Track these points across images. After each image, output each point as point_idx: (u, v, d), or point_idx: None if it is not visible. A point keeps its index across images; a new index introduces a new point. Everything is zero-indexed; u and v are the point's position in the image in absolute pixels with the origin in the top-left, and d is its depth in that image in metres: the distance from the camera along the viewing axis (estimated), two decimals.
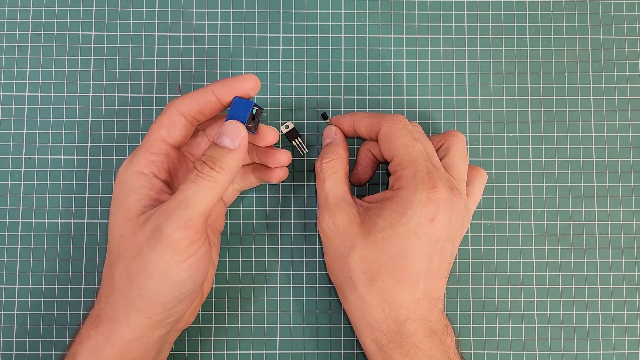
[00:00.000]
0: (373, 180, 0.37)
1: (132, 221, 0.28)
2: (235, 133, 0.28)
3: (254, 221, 0.36)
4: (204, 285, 0.33)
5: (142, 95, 0.37)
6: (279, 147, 0.36)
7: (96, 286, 0.35)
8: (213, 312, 0.36)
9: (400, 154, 0.30)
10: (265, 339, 0.35)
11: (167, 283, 0.27)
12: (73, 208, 0.36)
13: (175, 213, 0.27)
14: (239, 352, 0.35)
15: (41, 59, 0.37)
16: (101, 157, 0.36)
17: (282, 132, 0.35)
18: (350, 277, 0.30)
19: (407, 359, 0.29)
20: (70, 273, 0.35)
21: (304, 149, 0.36)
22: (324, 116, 0.36)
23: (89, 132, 0.36)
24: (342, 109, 0.37)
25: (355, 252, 0.30)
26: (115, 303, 0.28)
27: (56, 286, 0.35)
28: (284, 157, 0.33)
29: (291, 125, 0.35)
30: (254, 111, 0.29)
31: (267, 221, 0.36)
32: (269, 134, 0.31)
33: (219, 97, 0.29)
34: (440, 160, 0.32)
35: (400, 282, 0.29)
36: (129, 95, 0.37)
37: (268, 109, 0.37)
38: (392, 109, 0.37)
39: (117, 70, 0.37)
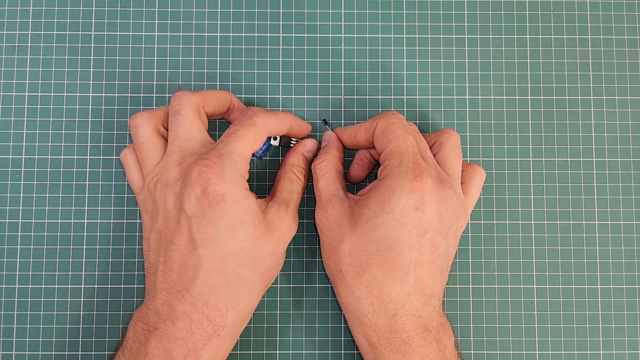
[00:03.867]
0: (370, 179, 0.37)
1: (262, 222, 0.30)
2: (314, 150, 0.36)
3: None
4: None
5: (141, 95, 0.37)
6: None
7: (96, 286, 0.35)
8: None
9: (391, 145, 0.31)
10: (265, 339, 0.35)
11: (280, 259, 0.33)
12: (73, 208, 0.36)
13: (292, 203, 0.33)
14: (239, 352, 0.35)
15: (41, 58, 0.37)
16: (101, 157, 0.36)
17: (273, 144, 0.35)
18: (340, 270, 0.30)
19: (398, 356, 0.29)
20: (70, 273, 0.35)
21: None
22: (325, 122, 0.36)
23: (89, 132, 0.36)
24: (342, 109, 0.37)
25: (344, 244, 0.30)
26: (243, 309, 0.31)
27: (56, 286, 0.35)
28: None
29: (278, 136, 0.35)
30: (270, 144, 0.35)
31: None
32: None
33: (291, 131, 0.34)
34: (434, 157, 0.33)
35: (389, 274, 0.29)
36: (129, 95, 0.37)
37: (268, 109, 0.37)
38: (392, 109, 0.37)
39: (117, 70, 0.37)
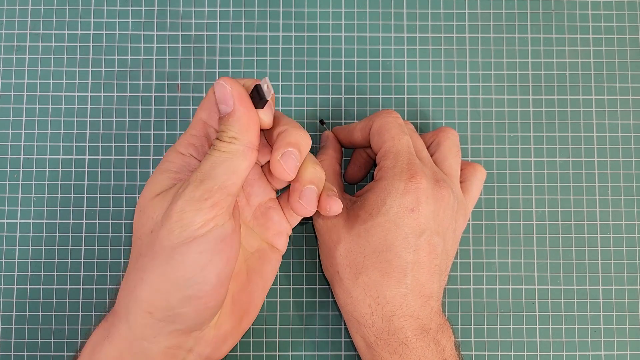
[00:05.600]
0: (368, 179, 0.37)
1: (156, 197, 0.26)
2: (224, 96, 0.26)
3: None
4: (246, 310, 0.29)
5: (140, 94, 0.37)
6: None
7: (95, 287, 0.35)
8: None
9: (387, 146, 0.31)
10: (265, 340, 0.35)
11: (172, 266, 0.24)
12: (71, 208, 0.36)
13: (191, 185, 0.24)
14: (238, 353, 0.35)
15: (39, 58, 0.37)
16: (99, 157, 0.36)
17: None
18: (338, 271, 0.30)
19: (396, 357, 0.29)
20: (68, 274, 0.35)
21: None
22: (321, 122, 0.36)
23: (88, 131, 0.36)
24: (342, 109, 0.37)
25: (341, 246, 0.30)
26: (120, 292, 0.26)
27: (54, 287, 0.35)
28: (335, 205, 0.28)
29: None
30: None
31: None
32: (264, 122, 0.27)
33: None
34: (431, 156, 0.33)
35: (385, 275, 0.29)
36: (128, 94, 0.37)
37: None
38: (393, 109, 0.37)
39: (115, 69, 0.37)
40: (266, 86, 0.26)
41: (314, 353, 0.35)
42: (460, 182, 0.33)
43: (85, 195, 0.36)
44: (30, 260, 0.35)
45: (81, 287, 0.35)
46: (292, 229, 0.32)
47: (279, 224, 0.31)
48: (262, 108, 0.26)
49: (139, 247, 0.25)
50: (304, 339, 0.35)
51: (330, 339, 0.35)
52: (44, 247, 0.35)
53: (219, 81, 0.25)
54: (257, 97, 0.26)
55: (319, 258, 0.36)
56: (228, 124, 0.25)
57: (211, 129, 0.28)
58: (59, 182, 0.36)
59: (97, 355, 0.26)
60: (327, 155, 0.34)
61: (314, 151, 0.36)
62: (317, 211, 0.31)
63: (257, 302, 0.30)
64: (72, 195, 0.36)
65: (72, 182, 0.36)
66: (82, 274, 0.35)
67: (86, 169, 0.36)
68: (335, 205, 0.28)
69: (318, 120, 0.36)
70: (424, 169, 0.30)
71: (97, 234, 0.36)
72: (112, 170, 0.36)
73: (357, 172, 0.35)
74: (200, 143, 0.28)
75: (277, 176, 0.26)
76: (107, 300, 0.35)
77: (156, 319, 0.25)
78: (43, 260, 0.35)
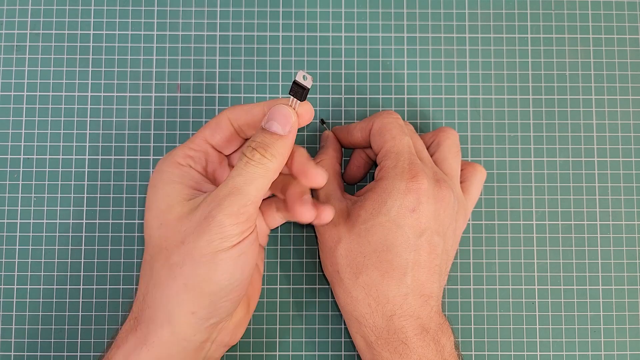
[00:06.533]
0: (367, 179, 0.37)
1: (175, 208, 0.27)
2: (285, 118, 0.27)
3: None
4: (251, 296, 0.32)
5: (140, 94, 0.37)
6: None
7: (95, 287, 0.35)
8: None
9: (387, 146, 0.31)
10: (265, 340, 0.35)
11: (214, 269, 0.26)
12: (71, 208, 0.36)
13: (227, 200, 0.26)
14: (238, 353, 0.35)
15: (39, 58, 0.37)
16: (100, 157, 0.36)
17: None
18: (338, 271, 0.30)
19: (396, 356, 0.29)
20: (68, 274, 0.35)
21: None
22: (322, 121, 0.36)
23: (88, 131, 0.36)
24: (343, 109, 0.37)
25: (341, 245, 0.30)
26: (155, 300, 0.27)
27: (54, 287, 0.35)
28: (319, 177, 0.29)
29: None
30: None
31: None
32: (305, 115, 0.28)
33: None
34: (432, 156, 0.33)
35: (386, 275, 0.29)
36: (128, 94, 0.37)
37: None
38: (393, 109, 0.37)
39: (115, 69, 0.37)
40: (302, 76, 0.26)
41: (314, 353, 0.35)
42: (460, 182, 0.33)
43: (85, 195, 0.36)
44: (30, 260, 0.35)
45: (81, 287, 0.35)
46: (292, 229, 0.33)
47: (260, 226, 0.33)
48: (305, 99, 0.27)
49: (167, 257, 0.27)
50: (304, 339, 0.35)
51: (330, 339, 0.35)
52: (44, 247, 0.35)
53: (281, 105, 0.27)
54: (300, 90, 0.27)
55: (319, 258, 0.36)
56: (275, 143, 0.27)
57: (210, 147, 0.30)
58: (59, 182, 0.36)
59: None
60: (328, 155, 0.34)
61: (314, 150, 0.36)
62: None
63: (258, 288, 0.33)
64: (72, 195, 0.36)
65: (72, 182, 0.36)
66: (82, 274, 0.35)
67: (86, 169, 0.36)
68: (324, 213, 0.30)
69: (318, 120, 0.36)
70: (425, 169, 0.30)
71: (97, 234, 0.36)
72: (112, 170, 0.36)
73: (357, 172, 0.35)
74: (198, 157, 0.30)
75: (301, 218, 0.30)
76: (107, 300, 0.35)
77: (198, 317, 0.27)
78: (43, 260, 0.35)
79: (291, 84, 0.27)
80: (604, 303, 0.36)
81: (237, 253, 0.26)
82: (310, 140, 0.37)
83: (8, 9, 0.37)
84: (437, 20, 0.38)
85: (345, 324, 0.35)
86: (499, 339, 0.36)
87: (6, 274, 0.35)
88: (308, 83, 0.26)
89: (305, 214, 0.29)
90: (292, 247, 0.36)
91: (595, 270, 0.36)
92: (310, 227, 0.36)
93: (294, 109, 0.28)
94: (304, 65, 0.37)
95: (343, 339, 0.35)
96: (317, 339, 0.35)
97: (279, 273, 0.36)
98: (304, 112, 0.28)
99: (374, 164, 0.36)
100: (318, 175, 0.29)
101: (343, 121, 0.37)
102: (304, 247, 0.36)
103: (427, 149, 0.33)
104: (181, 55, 0.37)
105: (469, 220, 0.36)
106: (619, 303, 0.36)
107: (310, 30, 0.37)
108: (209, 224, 0.26)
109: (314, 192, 0.33)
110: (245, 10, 0.37)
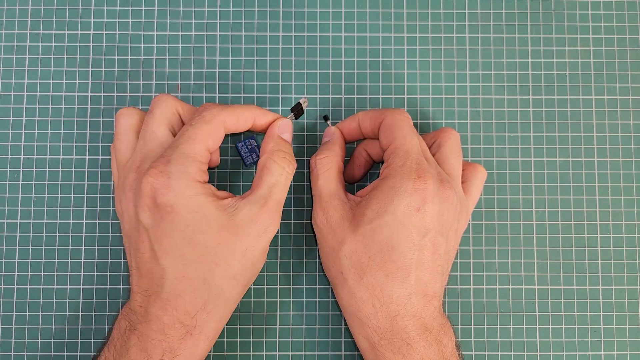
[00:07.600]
0: (366, 179, 0.37)
1: (224, 227, 0.29)
2: (290, 129, 0.33)
3: None
4: None
5: (140, 94, 0.37)
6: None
7: (95, 287, 0.35)
8: None
9: (397, 143, 0.31)
10: (265, 340, 0.35)
11: (256, 248, 0.30)
12: (72, 208, 0.36)
13: (269, 203, 0.30)
14: (238, 353, 0.35)
15: (39, 58, 0.37)
16: (100, 157, 0.36)
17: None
18: (341, 272, 0.30)
19: (399, 357, 0.29)
20: (68, 274, 0.35)
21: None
22: (326, 118, 0.36)
23: (88, 131, 0.36)
24: (342, 109, 0.37)
25: (346, 246, 0.30)
26: (212, 310, 0.29)
27: (54, 287, 0.35)
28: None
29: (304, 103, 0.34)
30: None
31: None
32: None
33: (256, 124, 0.32)
34: (433, 156, 0.33)
35: (390, 275, 0.29)
36: (128, 94, 0.37)
37: (268, 108, 0.36)
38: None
39: (115, 69, 0.37)
40: (305, 104, 0.34)
41: (314, 353, 0.35)
42: (461, 183, 0.33)
43: (85, 195, 0.36)
44: (30, 260, 0.35)
45: (81, 287, 0.35)
46: (292, 229, 0.33)
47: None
48: (297, 118, 0.34)
49: (208, 240, 0.29)
50: (304, 339, 0.35)
51: (330, 339, 0.35)
52: (44, 247, 0.35)
53: (288, 120, 0.33)
54: (300, 110, 0.34)
55: (319, 258, 0.36)
56: (289, 148, 0.32)
57: (209, 155, 0.31)
58: (59, 182, 0.36)
59: (197, 332, 0.29)
60: (333, 152, 0.33)
61: (314, 150, 0.36)
62: (317, 211, 0.31)
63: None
64: (72, 195, 0.36)
65: (72, 182, 0.36)
66: (82, 274, 0.35)
67: (86, 169, 0.36)
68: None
69: (322, 117, 0.36)
70: (431, 169, 0.30)
71: (97, 234, 0.36)
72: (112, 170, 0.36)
73: (357, 171, 0.35)
74: (205, 169, 0.31)
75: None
76: (107, 300, 0.35)
77: (239, 282, 0.30)
78: (43, 260, 0.35)
79: (295, 104, 0.34)
80: (604, 303, 0.36)
81: (269, 237, 0.31)
82: (310, 140, 0.37)
83: (8, 9, 0.37)
84: (437, 20, 0.38)
85: (345, 324, 0.35)
86: (499, 339, 0.36)
87: (6, 274, 0.35)
88: (305, 106, 0.34)
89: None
90: (292, 247, 0.36)
91: (595, 270, 0.36)
92: (310, 227, 0.36)
93: (291, 121, 0.33)
94: (304, 65, 0.37)
95: (343, 339, 0.35)
96: (317, 339, 0.35)
97: (279, 273, 0.36)
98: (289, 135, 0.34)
99: (374, 164, 0.36)
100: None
101: None
102: (304, 247, 0.36)
103: (429, 149, 0.33)
104: (181, 55, 0.37)
105: (469, 221, 0.36)
106: (619, 303, 0.36)
107: (310, 30, 0.37)
108: (256, 222, 0.30)
109: (314, 192, 0.33)
110: (245, 10, 0.37)
